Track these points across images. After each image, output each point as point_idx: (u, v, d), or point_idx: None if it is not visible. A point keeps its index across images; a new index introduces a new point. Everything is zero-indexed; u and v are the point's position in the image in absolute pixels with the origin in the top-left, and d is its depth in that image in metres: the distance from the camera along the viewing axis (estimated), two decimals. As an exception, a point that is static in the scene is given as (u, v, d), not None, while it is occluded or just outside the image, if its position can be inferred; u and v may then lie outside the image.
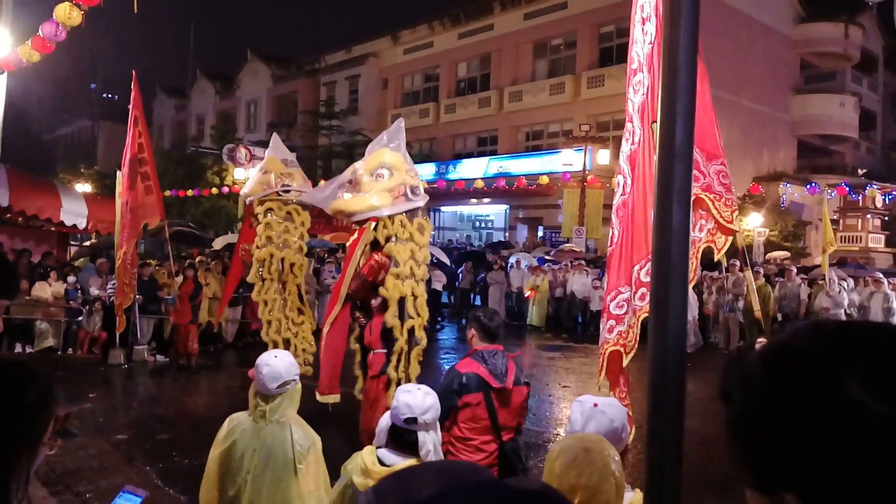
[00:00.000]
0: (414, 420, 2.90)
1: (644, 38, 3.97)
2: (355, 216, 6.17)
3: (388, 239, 6.04)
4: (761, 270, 16.56)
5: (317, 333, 7.54)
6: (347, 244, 6.84)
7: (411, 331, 6.12)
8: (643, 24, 3.96)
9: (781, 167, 31.43)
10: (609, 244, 4.28)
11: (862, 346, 0.72)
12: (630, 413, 3.99)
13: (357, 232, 6.39)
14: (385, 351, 6.24)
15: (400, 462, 2.85)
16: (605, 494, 2.12)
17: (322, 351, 6.54)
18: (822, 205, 17.26)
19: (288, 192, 7.43)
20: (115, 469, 6.74)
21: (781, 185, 27.58)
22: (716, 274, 16.51)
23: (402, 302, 6.04)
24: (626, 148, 4.11)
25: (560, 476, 2.13)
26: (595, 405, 2.53)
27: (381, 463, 2.90)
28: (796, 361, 0.74)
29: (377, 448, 3.02)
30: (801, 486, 0.70)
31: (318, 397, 6.61)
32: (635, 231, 3.99)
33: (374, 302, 6.36)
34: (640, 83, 4.00)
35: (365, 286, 6.35)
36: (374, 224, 6.07)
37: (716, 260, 4.65)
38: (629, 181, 4.06)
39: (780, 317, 15.54)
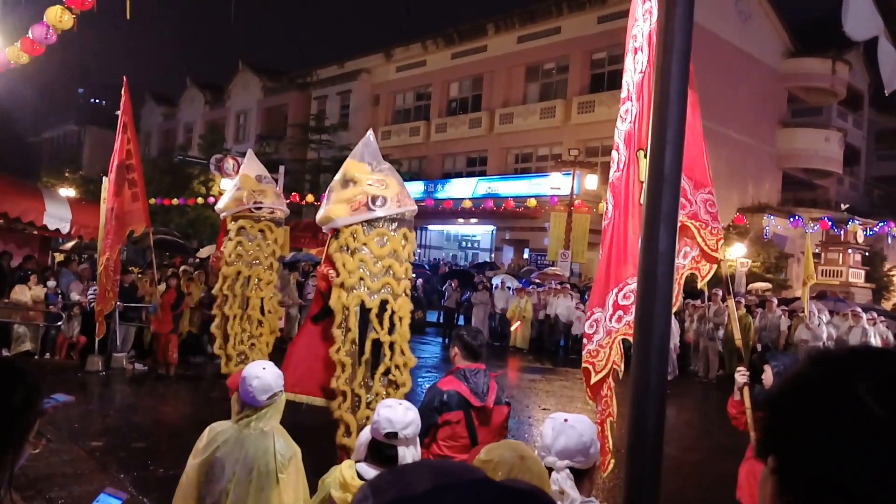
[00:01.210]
0: (394, 435, 2.90)
1: (635, 68, 4.02)
2: (323, 228, 6.25)
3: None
4: (742, 300, 16.70)
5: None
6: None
7: (374, 343, 5.95)
8: (635, 53, 4.02)
9: (766, 199, 31.77)
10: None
11: (882, 362, 0.86)
12: (606, 433, 4.00)
13: None
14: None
15: (379, 477, 2.84)
16: None
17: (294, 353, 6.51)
18: (804, 238, 17.46)
19: (260, 209, 7.49)
20: (89, 476, 6.67)
21: (765, 217, 27.88)
22: (698, 302, 16.61)
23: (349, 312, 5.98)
24: (611, 175, 4.17)
25: None
26: (566, 420, 2.57)
27: (360, 477, 2.90)
28: (828, 362, 0.89)
29: (356, 462, 3.02)
30: (784, 452, 0.85)
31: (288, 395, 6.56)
32: (614, 255, 4.03)
33: None
34: (627, 112, 4.05)
35: (322, 297, 6.38)
36: (332, 235, 6.11)
37: (699, 287, 4.71)
38: (611, 207, 4.11)
39: (759, 347, 15.63)
